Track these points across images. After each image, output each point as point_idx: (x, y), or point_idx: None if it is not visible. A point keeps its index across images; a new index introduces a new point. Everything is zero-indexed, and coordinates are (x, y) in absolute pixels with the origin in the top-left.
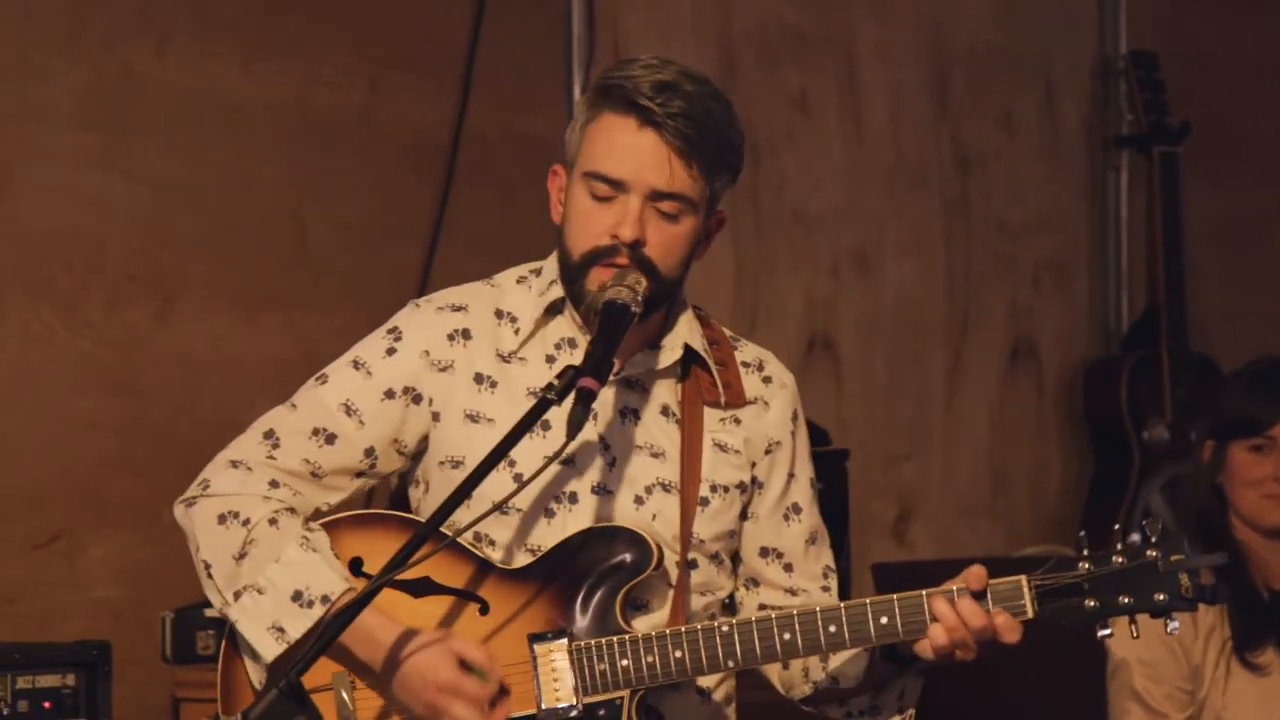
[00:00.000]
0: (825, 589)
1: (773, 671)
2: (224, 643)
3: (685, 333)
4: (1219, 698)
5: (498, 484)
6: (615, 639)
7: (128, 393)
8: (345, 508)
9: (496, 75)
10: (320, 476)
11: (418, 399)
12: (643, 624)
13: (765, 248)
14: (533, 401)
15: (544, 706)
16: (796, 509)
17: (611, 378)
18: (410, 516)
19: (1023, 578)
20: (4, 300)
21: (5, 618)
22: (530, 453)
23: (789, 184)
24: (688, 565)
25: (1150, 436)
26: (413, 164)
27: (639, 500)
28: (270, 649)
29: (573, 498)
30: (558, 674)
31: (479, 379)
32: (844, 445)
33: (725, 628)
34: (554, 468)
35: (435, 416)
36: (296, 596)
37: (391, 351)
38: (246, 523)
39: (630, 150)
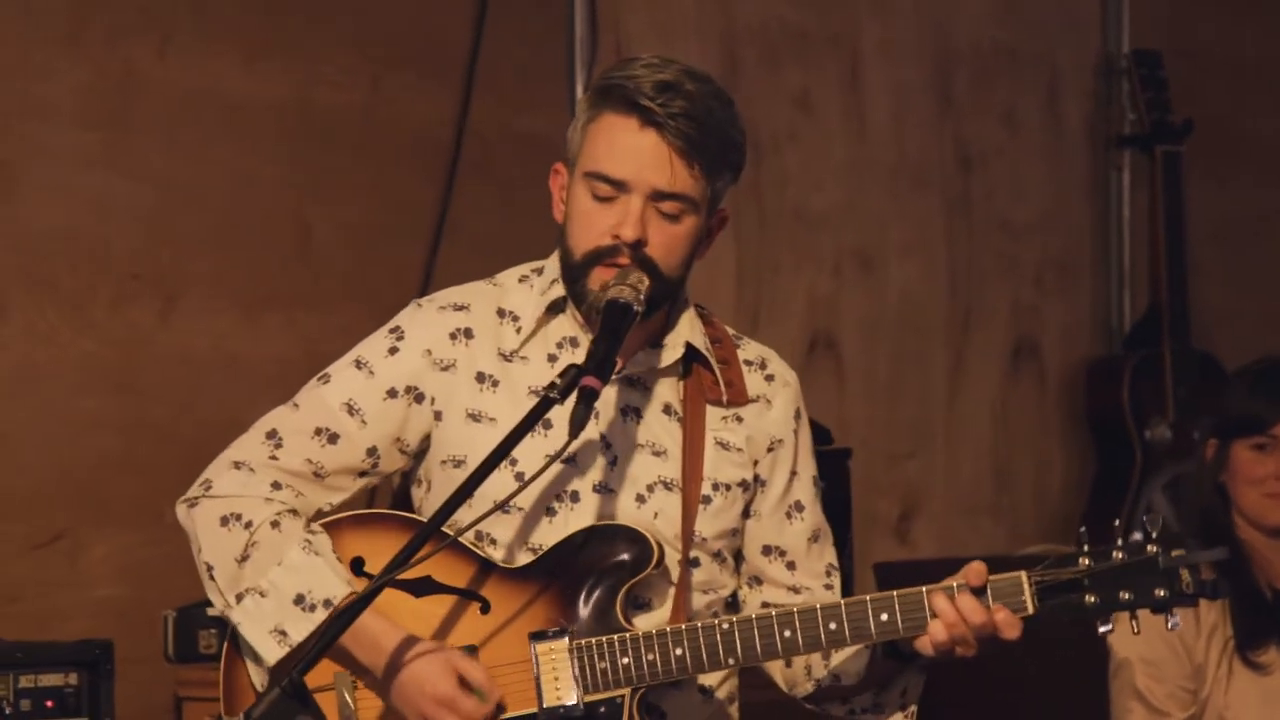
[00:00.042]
0: (828, 587)
1: (776, 669)
2: (226, 644)
3: (687, 331)
4: (1221, 697)
5: (499, 483)
6: (616, 637)
7: (130, 392)
8: (347, 507)
9: (498, 75)
10: (323, 476)
11: (420, 398)
12: (645, 622)
13: (767, 246)
14: (534, 400)
15: (545, 705)
16: (799, 507)
17: (613, 376)
18: (411, 516)
19: (1023, 573)
20: (7, 299)
21: (8, 617)
22: (532, 452)
23: (791, 182)
24: (689, 563)
25: (1152, 435)
26: (415, 163)
27: (641, 499)
28: (272, 652)
29: (574, 496)
30: (559, 672)
31: (481, 378)
32: (846, 444)
33: (725, 625)
34: (555, 466)
35: (437, 415)
36: (299, 600)
37: (394, 351)
38: (249, 525)
39: (631, 150)
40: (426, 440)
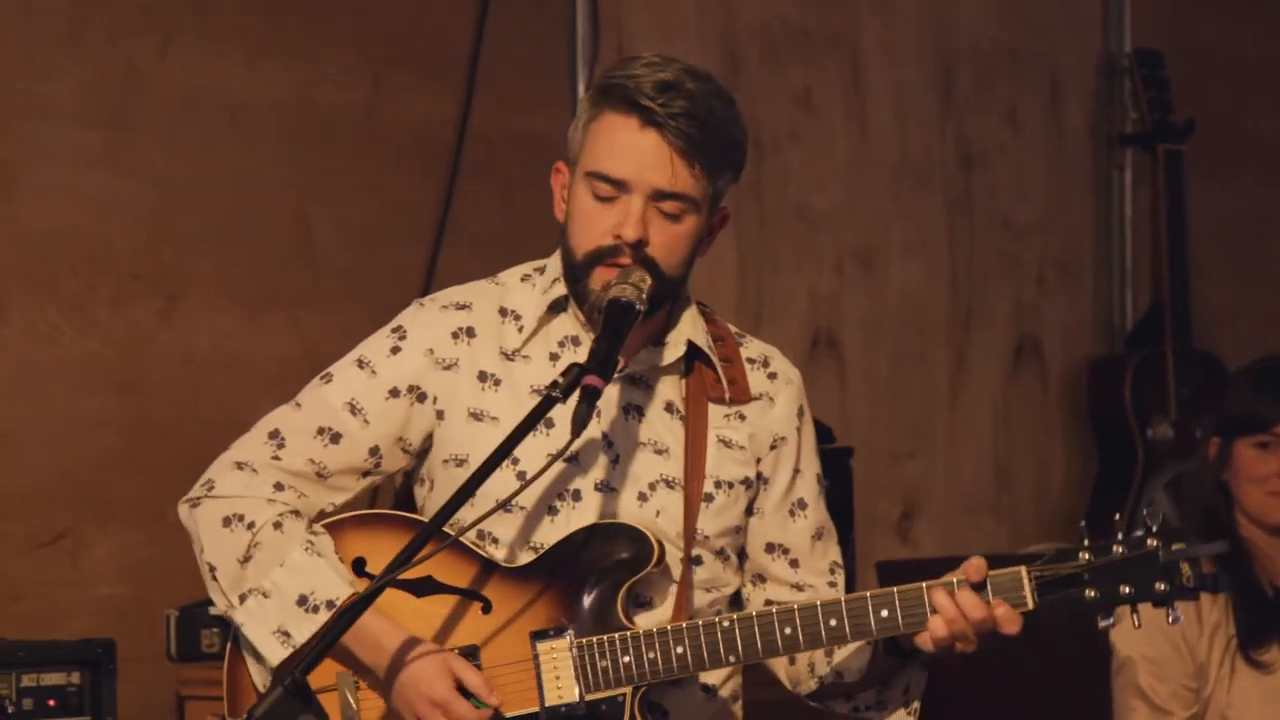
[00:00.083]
0: (832, 584)
1: (780, 667)
2: (229, 645)
3: (689, 329)
4: (1224, 695)
5: (501, 482)
6: (617, 635)
7: (132, 391)
8: (350, 507)
9: (500, 74)
10: (325, 476)
11: (422, 397)
12: (646, 620)
13: (769, 245)
14: (536, 399)
15: (546, 704)
16: (802, 504)
17: (615, 375)
18: (413, 516)
19: (1022, 569)
20: (9, 299)
21: (10, 616)
22: (534, 450)
23: (793, 181)
24: (692, 561)
25: (1154, 434)
26: (416, 163)
27: (643, 497)
28: (275, 653)
29: (576, 495)
30: (560, 671)
31: (483, 377)
32: (848, 443)
33: (726, 623)
34: (557, 465)
35: (439, 415)
36: (302, 601)
37: (396, 350)
38: (251, 526)
39: (632, 150)
40: (429, 439)
